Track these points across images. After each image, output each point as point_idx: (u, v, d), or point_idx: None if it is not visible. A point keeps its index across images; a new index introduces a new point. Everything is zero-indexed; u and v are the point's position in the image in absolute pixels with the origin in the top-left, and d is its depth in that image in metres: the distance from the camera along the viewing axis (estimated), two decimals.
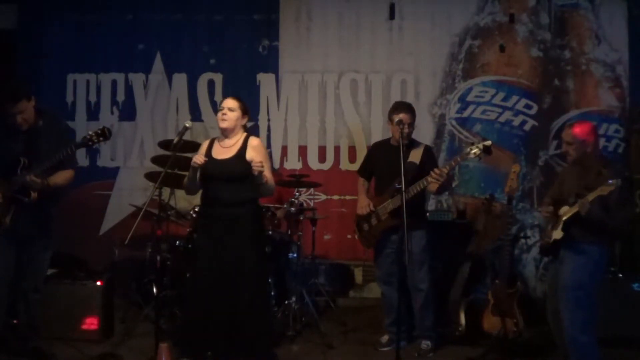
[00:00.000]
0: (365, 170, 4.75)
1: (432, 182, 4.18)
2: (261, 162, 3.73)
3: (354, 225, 4.65)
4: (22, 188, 3.79)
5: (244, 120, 4.02)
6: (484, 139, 4.23)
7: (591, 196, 3.56)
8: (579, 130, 3.85)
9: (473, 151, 4.05)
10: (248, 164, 3.78)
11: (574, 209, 3.68)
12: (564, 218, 3.76)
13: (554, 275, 3.96)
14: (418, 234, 4.37)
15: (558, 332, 3.94)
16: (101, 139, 3.85)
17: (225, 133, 3.97)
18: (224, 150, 3.94)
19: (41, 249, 4.08)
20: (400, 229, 3.62)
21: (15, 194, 3.80)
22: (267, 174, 3.86)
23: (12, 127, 3.91)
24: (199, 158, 3.82)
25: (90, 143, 3.86)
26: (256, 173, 3.71)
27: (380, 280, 4.66)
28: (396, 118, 4.27)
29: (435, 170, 4.15)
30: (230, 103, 3.96)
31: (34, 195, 3.80)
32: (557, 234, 3.79)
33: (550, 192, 4.17)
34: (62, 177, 3.99)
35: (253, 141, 3.96)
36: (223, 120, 3.92)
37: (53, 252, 4.22)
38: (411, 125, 4.40)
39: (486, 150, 4.06)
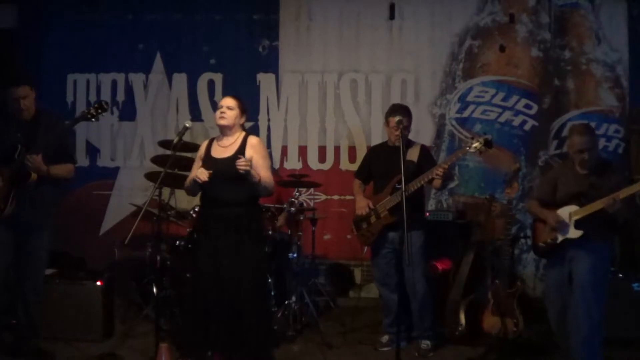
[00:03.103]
0: (363, 173, 4.76)
1: (435, 178, 4.20)
2: (246, 160, 3.68)
3: (352, 225, 4.64)
4: (21, 172, 3.79)
5: (243, 120, 4.02)
6: (484, 134, 4.24)
7: (623, 194, 3.57)
8: (591, 134, 3.88)
9: (474, 145, 4.07)
10: (248, 162, 3.79)
11: (591, 208, 3.69)
12: (576, 217, 3.77)
13: (558, 277, 3.94)
14: (416, 234, 4.37)
15: (563, 333, 3.93)
16: (99, 111, 3.88)
17: (224, 131, 3.97)
18: (223, 150, 3.94)
19: (39, 245, 4.05)
20: (400, 229, 3.62)
21: (15, 177, 3.79)
22: (264, 173, 3.84)
23: (12, 117, 3.92)
24: (202, 174, 3.76)
25: (89, 116, 3.88)
26: (241, 171, 3.65)
27: (377, 282, 4.66)
28: (395, 119, 4.29)
29: (439, 168, 4.17)
30: (229, 102, 3.96)
31: (33, 176, 3.80)
32: (575, 233, 3.79)
33: (540, 194, 4.15)
34: (62, 168, 4.01)
35: (252, 140, 3.96)
36: (222, 118, 3.92)
37: (50, 250, 4.21)
38: (408, 127, 4.44)
39: (487, 144, 4.07)
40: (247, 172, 3.67)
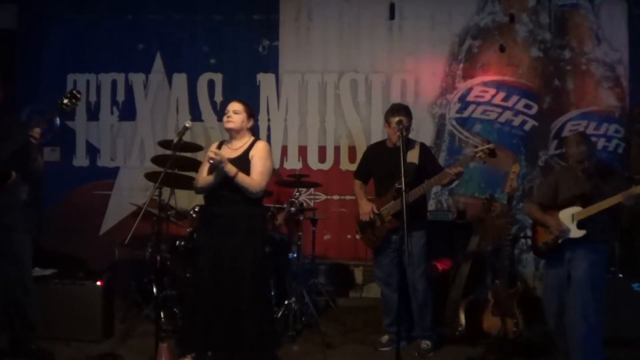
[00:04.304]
0: (362, 173, 4.74)
1: (448, 176, 4.19)
2: (219, 154, 3.77)
3: (356, 227, 4.63)
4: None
5: (250, 124, 4.08)
6: (488, 142, 4.21)
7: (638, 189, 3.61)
8: (587, 142, 3.90)
9: (478, 154, 4.07)
10: (219, 155, 3.81)
11: (598, 207, 3.71)
12: (579, 218, 3.80)
13: (557, 278, 3.94)
14: (417, 234, 4.37)
15: (561, 334, 3.93)
16: (74, 101, 3.89)
17: (231, 134, 4.04)
18: (231, 152, 3.99)
19: (18, 244, 3.98)
20: (400, 229, 3.61)
21: None
22: (255, 174, 3.87)
23: None
24: (218, 153, 3.79)
25: (64, 107, 3.88)
26: (210, 161, 3.77)
27: (380, 281, 4.65)
28: (395, 119, 4.28)
29: (454, 169, 4.16)
30: (235, 106, 4.03)
31: (13, 176, 3.78)
32: (578, 233, 3.81)
33: (540, 197, 4.16)
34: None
35: (259, 144, 4.02)
36: (228, 121, 4.00)
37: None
38: (408, 127, 4.42)
39: (491, 153, 4.07)
40: (219, 163, 3.75)
